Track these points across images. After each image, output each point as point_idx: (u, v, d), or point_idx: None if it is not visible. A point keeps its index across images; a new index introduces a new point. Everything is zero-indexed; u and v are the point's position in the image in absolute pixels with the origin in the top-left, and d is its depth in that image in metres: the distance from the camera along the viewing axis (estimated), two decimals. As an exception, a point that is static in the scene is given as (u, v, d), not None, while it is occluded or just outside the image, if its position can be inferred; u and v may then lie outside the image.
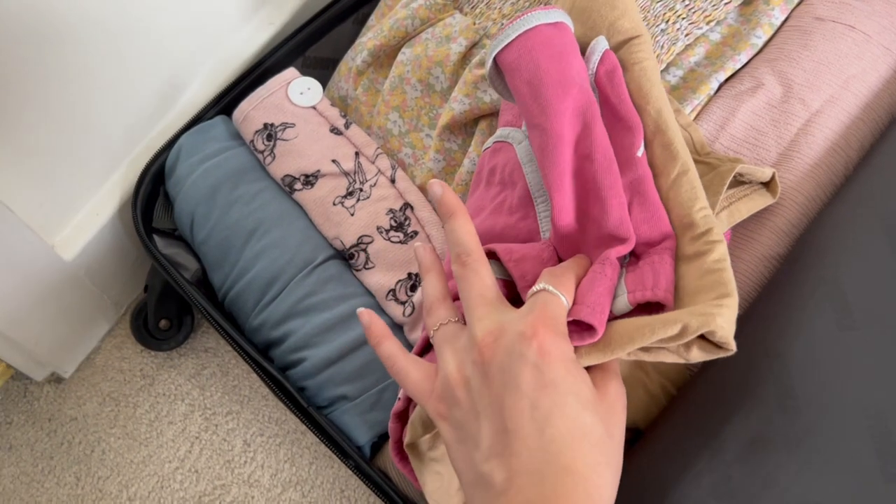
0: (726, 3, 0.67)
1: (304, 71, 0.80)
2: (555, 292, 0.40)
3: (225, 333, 0.69)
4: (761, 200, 0.56)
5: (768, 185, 0.58)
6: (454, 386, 0.39)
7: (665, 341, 0.39)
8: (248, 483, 0.77)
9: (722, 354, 0.40)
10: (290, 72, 0.74)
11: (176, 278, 0.70)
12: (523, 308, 0.41)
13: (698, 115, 0.65)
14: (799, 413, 0.47)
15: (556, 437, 0.36)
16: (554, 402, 0.36)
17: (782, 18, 0.68)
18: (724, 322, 0.39)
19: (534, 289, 0.41)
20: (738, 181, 0.57)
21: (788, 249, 0.58)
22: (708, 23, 0.67)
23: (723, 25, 0.69)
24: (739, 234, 0.59)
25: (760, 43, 0.67)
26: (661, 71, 0.67)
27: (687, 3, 0.67)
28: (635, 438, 0.53)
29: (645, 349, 0.40)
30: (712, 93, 0.65)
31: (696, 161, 0.60)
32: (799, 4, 0.68)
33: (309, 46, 0.81)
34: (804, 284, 0.52)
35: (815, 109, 0.62)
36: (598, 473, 0.36)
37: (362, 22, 0.80)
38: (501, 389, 0.37)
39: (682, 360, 0.40)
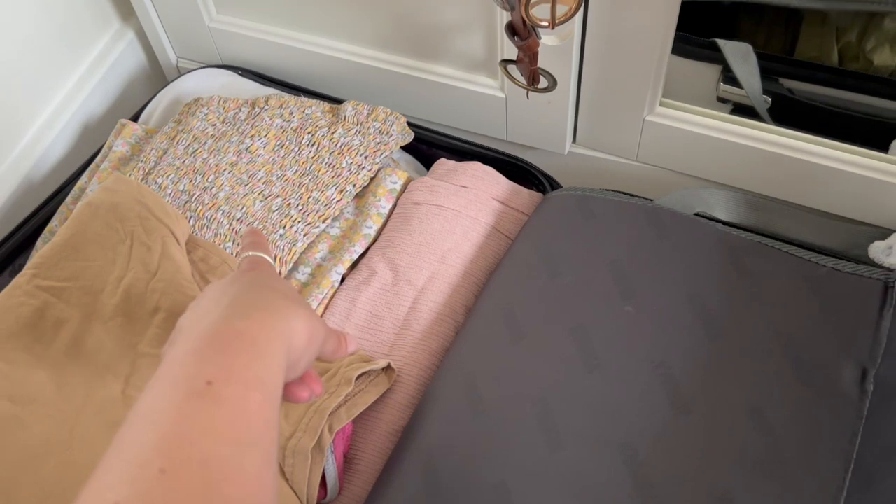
0: (338, 202, 0.76)
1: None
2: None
3: None
4: (376, 391, 0.63)
5: (387, 369, 0.64)
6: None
7: None
8: None
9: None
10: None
11: None
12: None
13: (326, 308, 0.71)
14: None
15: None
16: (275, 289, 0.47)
17: (389, 207, 0.77)
18: None
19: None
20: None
21: (408, 421, 0.64)
22: (324, 221, 0.75)
23: (341, 220, 0.77)
24: (366, 414, 0.64)
25: (373, 233, 0.75)
26: (291, 270, 0.73)
27: (300, 208, 0.75)
28: None
29: None
30: (336, 285, 0.72)
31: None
32: (402, 192, 0.78)
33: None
34: (403, 455, 0.59)
35: (420, 287, 0.71)
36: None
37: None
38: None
39: None
